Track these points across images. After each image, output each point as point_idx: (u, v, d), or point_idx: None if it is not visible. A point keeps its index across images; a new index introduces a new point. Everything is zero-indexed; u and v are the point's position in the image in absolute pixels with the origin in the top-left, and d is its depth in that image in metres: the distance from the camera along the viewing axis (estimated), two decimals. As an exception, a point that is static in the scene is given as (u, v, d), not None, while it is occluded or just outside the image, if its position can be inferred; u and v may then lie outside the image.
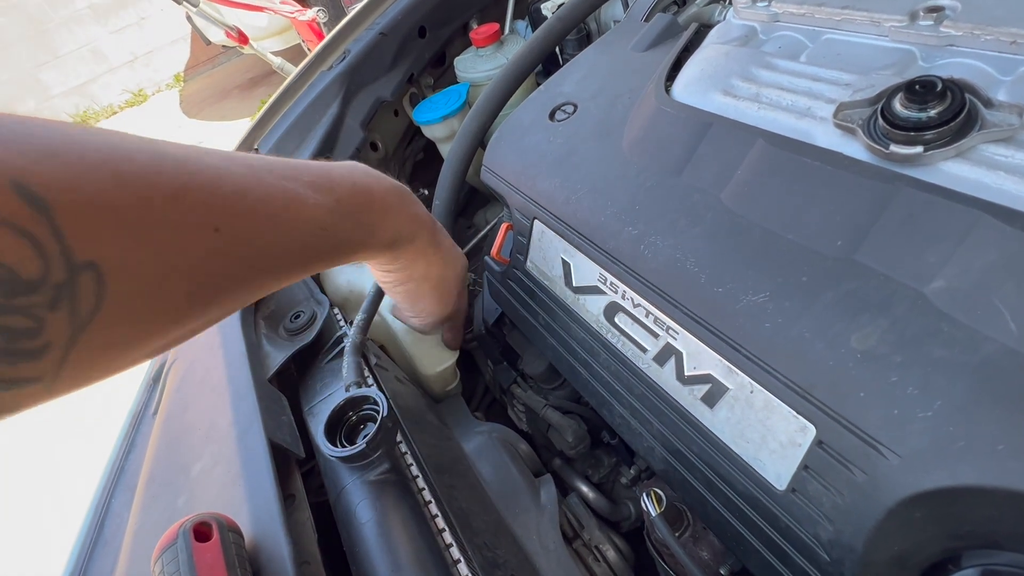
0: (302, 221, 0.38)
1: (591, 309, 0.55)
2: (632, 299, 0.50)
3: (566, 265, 0.57)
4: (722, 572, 0.53)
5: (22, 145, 0.24)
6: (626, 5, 0.92)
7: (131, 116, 5.43)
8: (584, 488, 0.73)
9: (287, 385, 0.64)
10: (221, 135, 4.39)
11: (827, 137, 0.44)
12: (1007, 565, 0.31)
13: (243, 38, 2.87)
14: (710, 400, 0.43)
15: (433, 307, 0.61)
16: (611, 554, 0.65)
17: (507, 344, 0.83)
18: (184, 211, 0.30)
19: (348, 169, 0.46)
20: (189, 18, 3.33)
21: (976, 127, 0.37)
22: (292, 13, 3.23)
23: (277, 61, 2.93)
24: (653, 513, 0.53)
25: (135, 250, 0.27)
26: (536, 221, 0.61)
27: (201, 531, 0.38)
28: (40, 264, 0.23)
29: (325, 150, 0.85)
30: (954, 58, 0.44)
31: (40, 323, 0.24)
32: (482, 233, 0.98)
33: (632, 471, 0.72)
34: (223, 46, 4.12)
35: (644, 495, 0.54)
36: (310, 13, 3.25)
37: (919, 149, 0.37)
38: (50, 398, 0.26)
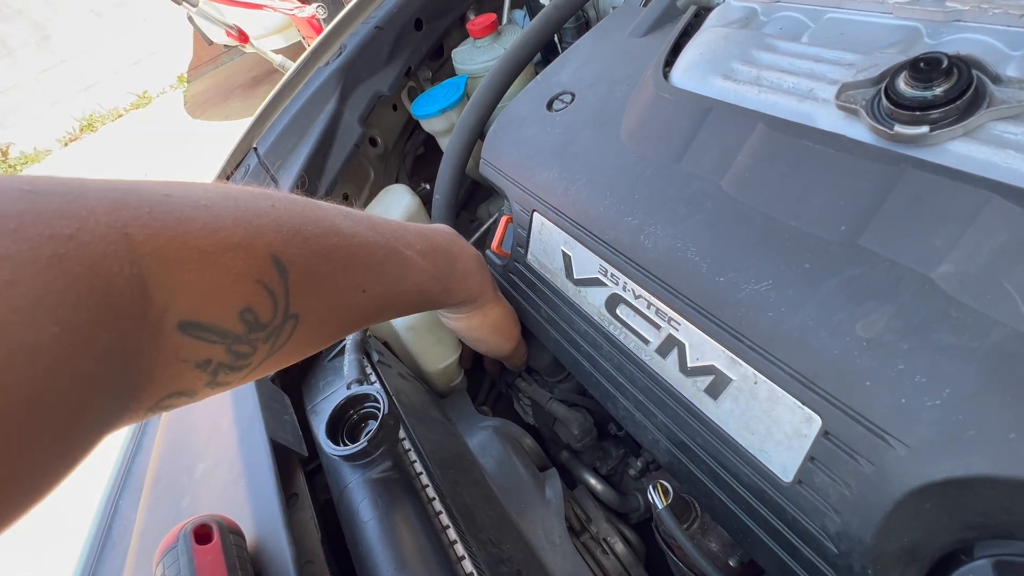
0: (413, 283, 0.47)
1: (592, 301, 0.54)
2: (633, 290, 0.49)
3: (566, 257, 0.57)
4: (731, 563, 0.53)
5: (280, 224, 0.34)
6: (625, -10, 0.90)
7: (136, 118, 5.45)
8: (592, 480, 0.73)
9: (291, 384, 0.64)
10: (225, 134, 4.40)
11: (830, 119, 0.42)
12: (1021, 555, 0.30)
13: (243, 37, 2.86)
14: (714, 391, 0.43)
15: (498, 345, 0.68)
16: (619, 547, 0.64)
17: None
18: (350, 277, 0.39)
19: (443, 237, 0.54)
20: (190, 18, 3.33)
21: (984, 104, 0.35)
22: (291, 10, 3.22)
23: (278, 59, 2.92)
24: (659, 506, 0.52)
25: (318, 305, 0.37)
26: (535, 213, 0.60)
27: (202, 533, 0.37)
28: (273, 312, 0.33)
29: (323, 147, 0.84)
30: (961, 33, 0.42)
31: (254, 350, 0.32)
32: (485, 227, 0.98)
33: (640, 462, 0.72)
34: (225, 46, 4.13)
35: (650, 487, 0.54)
36: (309, 9, 3.24)
37: (925, 129, 0.36)
38: (233, 387, 0.35)
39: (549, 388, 0.78)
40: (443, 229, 0.57)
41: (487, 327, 0.64)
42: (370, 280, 0.41)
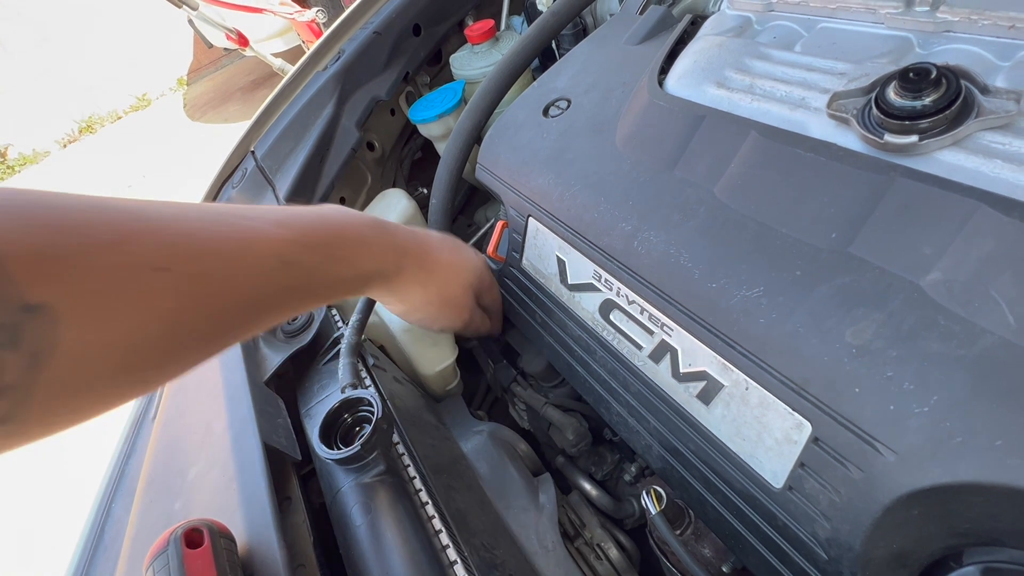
0: (263, 255, 0.39)
1: (586, 306, 0.54)
2: (627, 296, 0.49)
3: (561, 262, 0.57)
4: (724, 570, 0.53)
5: None
6: (622, -2, 0.91)
7: (136, 120, 5.46)
8: (587, 486, 0.73)
9: (286, 387, 0.64)
10: (224, 137, 4.40)
11: (821, 128, 0.43)
12: (1009, 562, 0.31)
13: (243, 40, 2.87)
14: (705, 397, 0.43)
15: (449, 322, 0.59)
16: (613, 552, 0.64)
17: (507, 342, 0.83)
18: (123, 254, 0.32)
19: (319, 208, 0.47)
20: (190, 22, 3.34)
21: (973, 114, 0.36)
22: (291, 14, 3.24)
23: (277, 63, 2.93)
24: (653, 511, 0.52)
25: (82, 293, 0.29)
26: (531, 219, 0.61)
27: (192, 538, 0.37)
28: None
29: (321, 151, 0.85)
30: (951, 44, 0.43)
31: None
32: (482, 231, 0.98)
33: (635, 468, 0.72)
34: (225, 49, 4.14)
35: (644, 493, 0.54)
36: (309, 14, 3.26)
37: (914, 138, 0.36)
38: (26, 440, 0.28)
39: (544, 393, 0.78)
40: (325, 205, 0.50)
41: (433, 302, 0.55)
42: (169, 255, 0.34)
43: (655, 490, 0.54)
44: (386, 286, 0.51)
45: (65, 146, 5.40)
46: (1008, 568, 0.30)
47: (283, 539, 0.41)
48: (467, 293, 0.59)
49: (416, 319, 0.58)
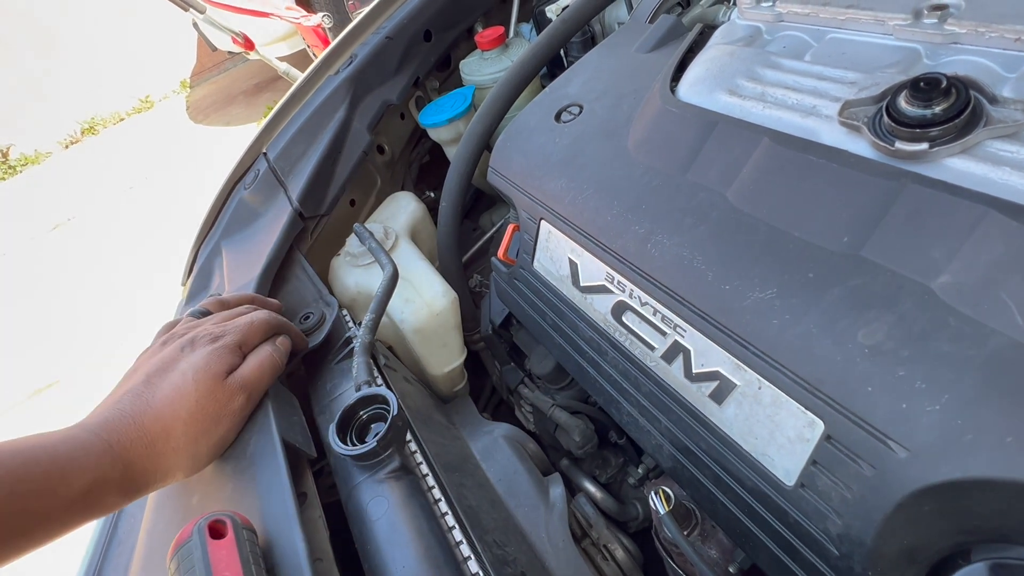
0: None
1: (599, 308, 0.55)
2: (640, 298, 0.50)
3: (573, 265, 0.58)
4: (731, 570, 0.54)
5: None
6: (631, 7, 0.92)
7: (137, 122, 5.48)
8: (592, 488, 0.73)
9: (298, 386, 0.64)
10: (226, 141, 4.42)
11: (832, 135, 0.44)
12: (1017, 559, 0.31)
13: (249, 44, 2.88)
14: (718, 397, 0.44)
15: (235, 419, 0.52)
16: (620, 553, 0.65)
17: (514, 344, 0.84)
18: None
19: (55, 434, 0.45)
20: (195, 24, 3.36)
21: (981, 123, 0.37)
22: (297, 19, 3.26)
23: (282, 66, 2.94)
24: (662, 511, 0.53)
25: None
26: (543, 221, 0.62)
27: (216, 529, 0.38)
28: None
29: (333, 153, 0.86)
30: (959, 55, 0.44)
31: None
32: (488, 235, 0.99)
33: (640, 471, 0.73)
34: (229, 52, 4.16)
35: (652, 493, 0.54)
36: (315, 18, 3.27)
37: (924, 146, 0.37)
38: None
39: (551, 395, 0.78)
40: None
41: (203, 440, 0.49)
42: None
43: (663, 491, 0.54)
44: (129, 486, 0.46)
45: (67, 147, 5.41)
46: (1016, 564, 0.31)
47: (304, 532, 0.41)
48: (219, 392, 0.50)
49: (205, 462, 0.51)
